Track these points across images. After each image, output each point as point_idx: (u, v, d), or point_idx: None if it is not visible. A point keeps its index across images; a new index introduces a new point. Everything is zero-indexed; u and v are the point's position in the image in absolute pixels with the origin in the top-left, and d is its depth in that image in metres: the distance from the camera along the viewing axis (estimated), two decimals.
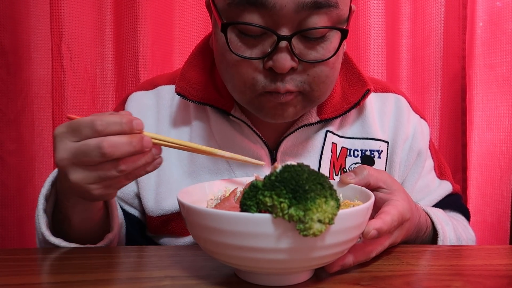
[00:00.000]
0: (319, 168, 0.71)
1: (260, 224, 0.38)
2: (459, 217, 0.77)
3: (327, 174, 0.71)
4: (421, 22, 1.20)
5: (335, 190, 0.39)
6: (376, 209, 0.53)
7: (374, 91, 0.77)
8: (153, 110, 0.74)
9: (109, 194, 0.53)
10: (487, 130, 1.21)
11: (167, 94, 0.75)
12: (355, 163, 0.72)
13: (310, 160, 0.71)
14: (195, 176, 0.70)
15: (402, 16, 1.24)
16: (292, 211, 0.36)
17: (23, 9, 1.13)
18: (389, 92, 0.79)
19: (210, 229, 0.40)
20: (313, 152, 0.71)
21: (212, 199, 0.52)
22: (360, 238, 0.45)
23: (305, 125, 0.69)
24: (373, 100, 0.77)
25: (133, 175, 0.50)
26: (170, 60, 1.24)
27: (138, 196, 0.72)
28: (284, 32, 0.55)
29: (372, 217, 0.49)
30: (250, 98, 0.61)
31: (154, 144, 0.50)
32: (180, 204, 0.44)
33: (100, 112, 1.17)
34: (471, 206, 1.21)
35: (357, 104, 0.70)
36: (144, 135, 0.48)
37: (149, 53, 1.15)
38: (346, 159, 0.73)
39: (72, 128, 0.48)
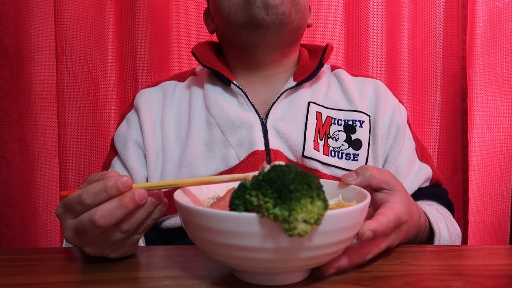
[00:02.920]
0: (305, 132, 0.76)
1: (246, 224, 0.38)
2: (445, 212, 0.79)
3: (312, 138, 0.76)
4: (421, 23, 1.20)
5: (323, 191, 0.39)
6: (377, 210, 0.52)
7: (354, 76, 0.88)
8: (159, 100, 0.84)
9: (130, 250, 0.53)
10: (487, 130, 1.21)
11: (170, 86, 0.86)
12: (338, 131, 0.79)
13: (296, 125, 0.77)
14: (192, 148, 0.76)
15: (402, 17, 1.25)
16: (276, 211, 0.36)
17: (25, 11, 1.14)
18: (369, 77, 0.88)
19: (201, 227, 0.41)
20: (299, 118, 0.78)
21: (209, 198, 0.52)
22: (356, 239, 0.45)
23: (288, 89, 0.79)
24: (352, 83, 0.86)
25: (142, 227, 0.50)
26: (168, 62, 1.26)
27: (147, 180, 0.78)
28: None
29: (371, 217, 0.49)
30: None
31: (151, 193, 0.49)
32: (175, 203, 0.45)
33: (103, 111, 1.20)
34: (471, 206, 1.21)
35: (322, 59, 0.81)
36: (136, 189, 0.47)
37: (146, 55, 1.17)
38: (331, 126, 0.79)
39: (67, 207, 0.48)
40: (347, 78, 0.85)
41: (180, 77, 0.89)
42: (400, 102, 0.88)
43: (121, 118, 0.86)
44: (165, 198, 0.51)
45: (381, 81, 0.88)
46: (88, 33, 1.17)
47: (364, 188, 0.51)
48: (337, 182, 0.53)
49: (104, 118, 1.22)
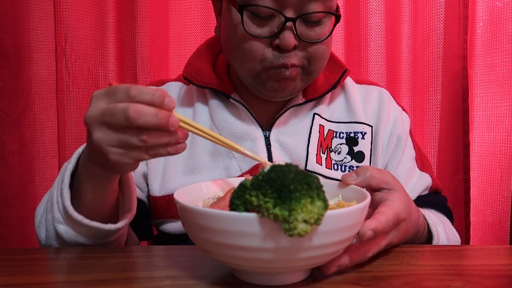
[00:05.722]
0: (308, 146, 0.76)
1: (246, 223, 0.38)
2: (444, 219, 0.79)
3: (314, 151, 0.76)
4: (421, 23, 1.20)
5: (323, 191, 0.39)
6: (376, 209, 0.52)
7: (359, 83, 0.86)
8: None
9: (125, 165, 0.51)
10: (488, 130, 1.21)
11: (175, 88, 0.85)
12: (340, 144, 0.79)
13: (300, 138, 0.77)
14: (196, 157, 0.76)
15: (403, 17, 1.25)
16: (276, 210, 0.36)
17: (24, 11, 1.14)
18: (373, 85, 0.87)
19: (201, 227, 0.41)
20: (303, 131, 0.77)
21: (209, 198, 0.52)
22: (356, 238, 0.45)
23: (294, 106, 0.77)
24: (356, 91, 0.84)
25: (154, 151, 0.50)
26: (167, 61, 1.26)
27: (144, 177, 0.77)
28: (290, 14, 0.65)
29: (370, 217, 0.49)
30: (258, 72, 0.70)
31: (182, 127, 0.49)
32: (176, 203, 0.45)
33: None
34: (471, 206, 1.21)
35: (337, 83, 0.78)
36: (173, 114, 0.47)
37: (146, 54, 1.17)
38: (333, 140, 0.79)
39: (109, 92, 0.49)
40: (352, 87, 0.84)
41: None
42: (403, 110, 0.87)
43: None
44: (186, 143, 0.50)
45: (382, 82, 0.88)
46: (87, 32, 1.17)
47: (364, 188, 0.51)
48: (337, 182, 0.54)
49: None
